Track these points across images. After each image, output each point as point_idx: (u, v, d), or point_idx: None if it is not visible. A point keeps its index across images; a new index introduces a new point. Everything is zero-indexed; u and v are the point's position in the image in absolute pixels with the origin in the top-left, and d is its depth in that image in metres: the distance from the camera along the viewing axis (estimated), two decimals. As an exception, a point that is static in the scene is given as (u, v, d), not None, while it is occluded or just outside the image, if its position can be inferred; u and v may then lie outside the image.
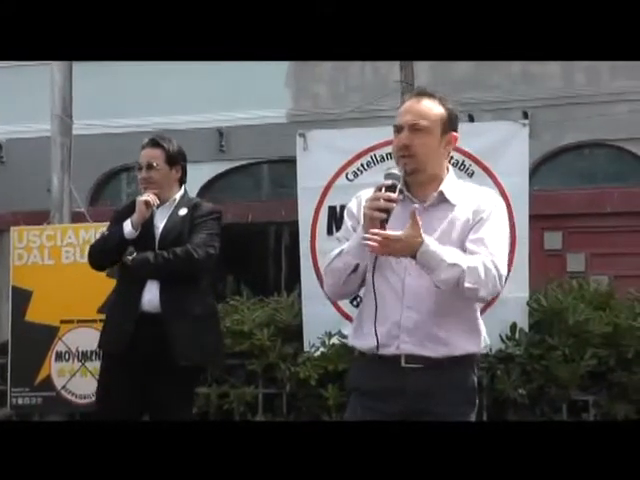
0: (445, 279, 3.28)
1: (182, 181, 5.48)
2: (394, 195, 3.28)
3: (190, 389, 5.38)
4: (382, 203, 3.27)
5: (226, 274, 14.99)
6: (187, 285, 5.21)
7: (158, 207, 5.28)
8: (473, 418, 3.54)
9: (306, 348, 6.72)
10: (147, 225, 5.26)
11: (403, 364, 3.43)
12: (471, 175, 6.43)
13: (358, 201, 3.59)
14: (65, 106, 8.36)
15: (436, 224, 3.44)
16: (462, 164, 6.45)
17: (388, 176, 3.35)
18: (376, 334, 3.43)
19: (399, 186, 3.34)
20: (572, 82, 13.42)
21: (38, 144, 11.35)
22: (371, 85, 13.49)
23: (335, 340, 6.59)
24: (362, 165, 6.65)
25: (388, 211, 3.26)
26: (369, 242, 3.23)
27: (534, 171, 12.10)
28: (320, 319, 6.63)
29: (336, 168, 6.71)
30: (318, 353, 6.62)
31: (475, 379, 3.55)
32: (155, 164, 5.31)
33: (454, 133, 3.55)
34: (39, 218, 8.45)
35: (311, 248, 6.77)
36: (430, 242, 3.26)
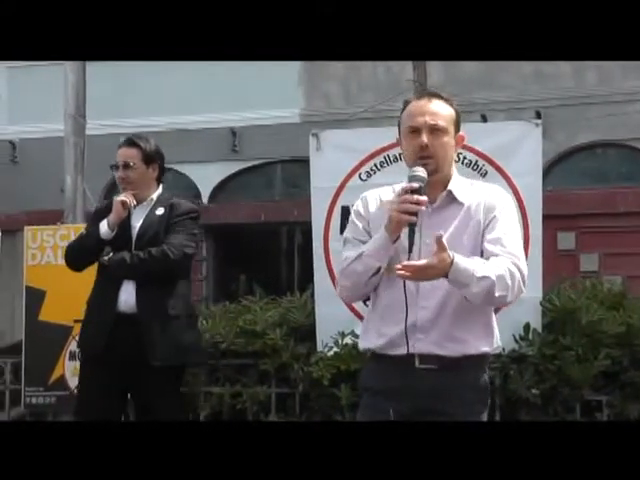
0: (477, 292, 3.30)
1: (160, 180, 5.49)
2: (422, 198, 3.29)
3: (172, 389, 5.36)
4: (412, 206, 3.27)
5: (239, 274, 15.01)
6: (163, 285, 5.23)
7: (135, 207, 5.30)
8: (485, 417, 3.54)
9: (319, 348, 6.71)
10: (124, 225, 5.29)
11: (417, 364, 3.43)
12: (484, 175, 6.42)
13: (364, 202, 3.61)
14: (78, 106, 8.38)
15: (446, 225, 3.45)
16: (475, 164, 6.44)
17: (413, 178, 3.35)
18: (390, 334, 3.44)
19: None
20: (584, 82, 13.41)
21: (51, 144, 11.40)
22: (384, 84, 13.50)
23: (348, 340, 6.58)
24: (375, 165, 6.64)
25: (416, 214, 3.28)
26: (402, 272, 3.23)
27: (547, 171, 12.08)
28: (333, 319, 6.62)
29: (349, 168, 6.70)
30: (331, 353, 6.62)
31: (487, 378, 3.57)
32: (132, 163, 5.34)
33: (462, 133, 3.59)
34: (52, 218, 8.48)
35: (324, 248, 6.76)
36: (459, 260, 3.27)
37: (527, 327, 6.42)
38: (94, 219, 5.43)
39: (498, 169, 6.46)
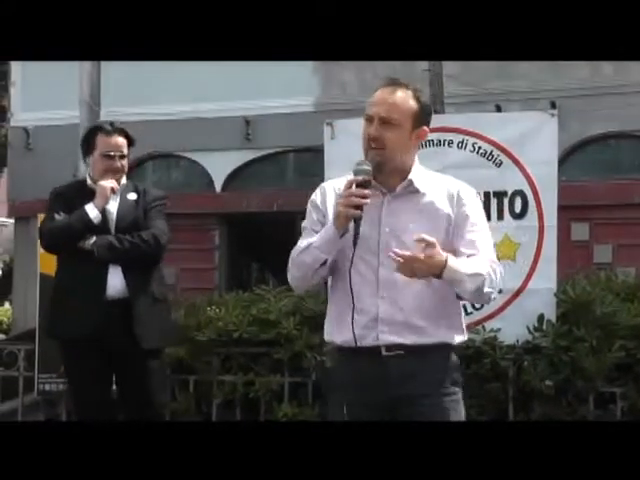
0: (471, 289, 3.36)
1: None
2: (367, 192, 3.33)
3: (158, 371, 5.42)
4: (356, 200, 3.31)
5: (251, 262, 15.02)
6: (149, 269, 5.31)
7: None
8: (459, 396, 3.53)
9: (332, 337, 6.71)
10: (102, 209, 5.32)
11: (383, 353, 3.44)
12: (499, 165, 6.40)
13: (322, 192, 3.63)
14: (93, 93, 8.40)
15: (402, 212, 3.47)
16: (490, 154, 6.42)
17: (359, 172, 3.39)
18: (354, 327, 3.45)
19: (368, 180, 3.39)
20: (600, 73, 13.36)
21: (65, 131, 11.40)
22: (399, 73, 13.44)
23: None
24: (390, 154, 6.64)
25: (361, 208, 3.32)
26: (393, 257, 3.27)
27: (561, 162, 12.02)
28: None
29: (363, 157, 6.68)
30: (344, 342, 6.61)
31: (456, 359, 3.58)
32: (125, 153, 5.39)
33: (425, 128, 3.56)
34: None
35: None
36: (452, 260, 3.32)
37: (541, 318, 6.40)
38: (59, 203, 5.42)
39: (513, 159, 6.44)
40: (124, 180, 5.44)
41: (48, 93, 14.69)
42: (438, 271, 3.29)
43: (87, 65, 8.32)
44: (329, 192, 3.59)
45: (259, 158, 15.07)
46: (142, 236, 5.21)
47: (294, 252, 3.54)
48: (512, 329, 6.17)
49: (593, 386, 6.33)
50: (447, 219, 3.48)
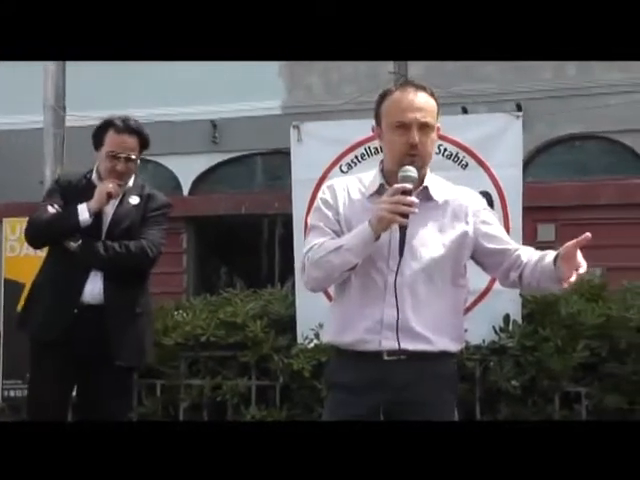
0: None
1: None
2: (415, 200, 3.26)
3: (125, 389, 5.17)
4: (404, 208, 3.24)
5: (219, 266, 14.98)
6: (132, 280, 5.00)
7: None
8: (454, 405, 3.52)
9: (299, 340, 6.72)
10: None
11: (385, 357, 3.41)
12: (465, 167, 6.44)
13: (332, 190, 3.54)
14: (58, 97, 8.36)
15: (416, 219, 3.36)
16: (456, 156, 6.46)
17: (405, 178, 3.31)
18: (358, 330, 3.42)
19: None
20: (565, 74, 13.43)
21: (31, 135, 11.33)
22: (364, 76, 13.48)
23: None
24: (356, 157, 6.65)
25: (407, 216, 3.25)
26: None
27: (527, 163, 12.11)
28: (313, 311, 6.62)
29: (330, 160, 6.70)
30: (312, 345, 6.63)
31: (456, 368, 3.58)
32: (133, 156, 5.01)
33: (438, 124, 3.53)
34: (31, 210, 8.33)
35: (305, 240, 6.75)
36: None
37: (507, 318, 6.45)
38: (58, 193, 5.10)
39: (479, 161, 6.48)
40: (131, 182, 5.08)
41: (11, 97, 14.58)
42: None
43: (51, 68, 8.28)
44: (339, 191, 3.52)
45: (226, 161, 15.04)
46: (129, 247, 4.91)
47: (314, 252, 3.45)
48: (478, 330, 6.20)
49: (558, 386, 6.39)
50: (461, 229, 3.46)
